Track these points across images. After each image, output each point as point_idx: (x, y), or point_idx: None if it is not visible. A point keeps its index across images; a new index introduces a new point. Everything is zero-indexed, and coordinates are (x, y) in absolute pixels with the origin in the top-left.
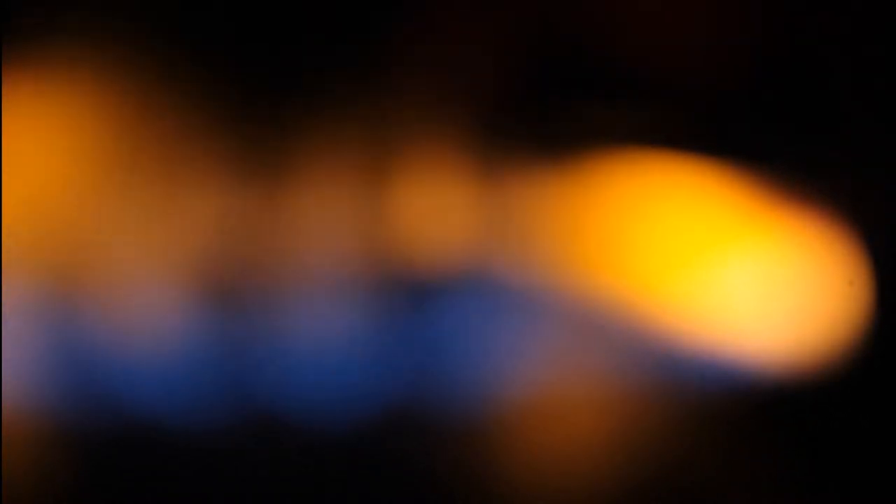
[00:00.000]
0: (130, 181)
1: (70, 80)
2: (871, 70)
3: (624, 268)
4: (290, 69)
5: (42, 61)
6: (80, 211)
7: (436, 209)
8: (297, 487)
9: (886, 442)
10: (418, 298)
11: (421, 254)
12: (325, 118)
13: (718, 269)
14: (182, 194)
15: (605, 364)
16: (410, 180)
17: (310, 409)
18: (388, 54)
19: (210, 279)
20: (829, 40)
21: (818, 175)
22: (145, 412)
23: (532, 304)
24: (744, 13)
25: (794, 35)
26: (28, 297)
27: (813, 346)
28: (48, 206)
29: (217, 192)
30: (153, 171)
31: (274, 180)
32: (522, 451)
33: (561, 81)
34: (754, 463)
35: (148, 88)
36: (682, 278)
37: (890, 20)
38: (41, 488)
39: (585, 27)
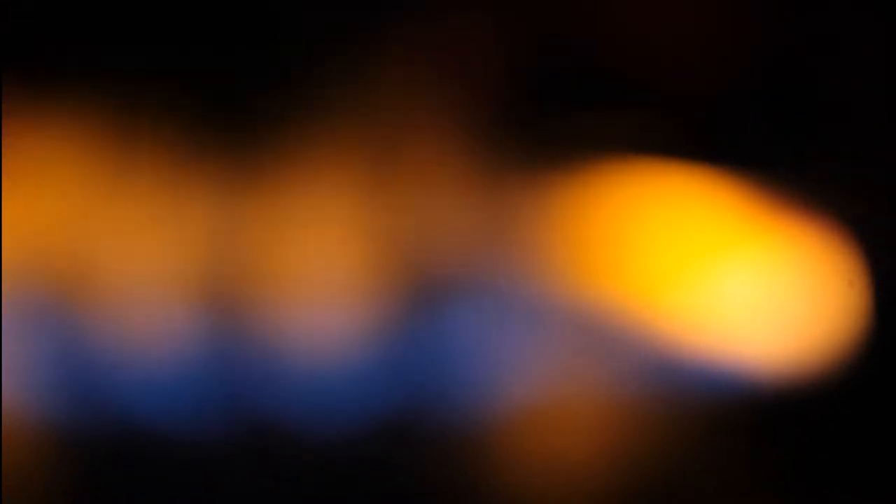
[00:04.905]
0: (130, 191)
1: (69, 94)
2: (868, 75)
3: (624, 275)
4: (288, 75)
5: (42, 77)
6: (79, 221)
7: (435, 217)
8: (296, 497)
9: (888, 445)
10: (418, 307)
11: (421, 262)
12: (324, 126)
13: (718, 275)
14: (181, 204)
15: (605, 371)
16: (409, 188)
17: (309, 417)
18: (387, 62)
19: (209, 288)
20: (826, 46)
21: (816, 180)
22: (143, 421)
23: (533, 312)
24: (741, 20)
25: (791, 42)
26: (27, 307)
27: (814, 350)
28: (47, 217)
29: (215, 201)
30: (152, 181)
31: (272, 190)
32: (523, 459)
33: (561, 89)
34: (756, 469)
35: (148, 99)
36: (682, 285)
37: (887, 26)
38: (39, 497)
39: (585, 35)
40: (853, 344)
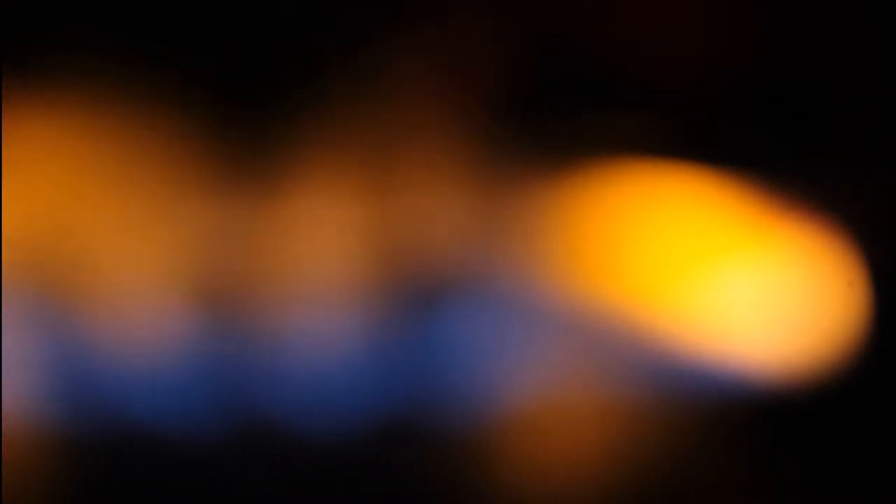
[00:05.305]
0: (128, 192)
1: (68, 93)
2: (867, 75)
3: (623, 276)
4: (288, 78)
5: (43, 75)
6: (78, 222)
7: (434, 218)
8: (294, 498)
9: (888, 445)
10: (417, 308)
11: (419, 263)
12: (324, 127)
13: (717, 277)
14: (179, 204)
15: (603, 372)
16: (408, 189)
17: (308, 418)
18: (387, 63)
19: (208, 289)
20: (826, 47)
21: (815, 180)
22: (142, 422)
23: (531, 313)
24: (739, 22)
25: (788, 42)
26: (26, 308)
27: (813, 351)
28: (46, 218)
29: (214, 202)
30: (151, 181)
31: (271, 190)
32: (522, 460)
33: (560, 90)
34: (755, 470)
35: (147, 98)
36: (681, 286)
37: (885, 27)
38: (39, 497)
39: (584, 37)
40: (853, 344)
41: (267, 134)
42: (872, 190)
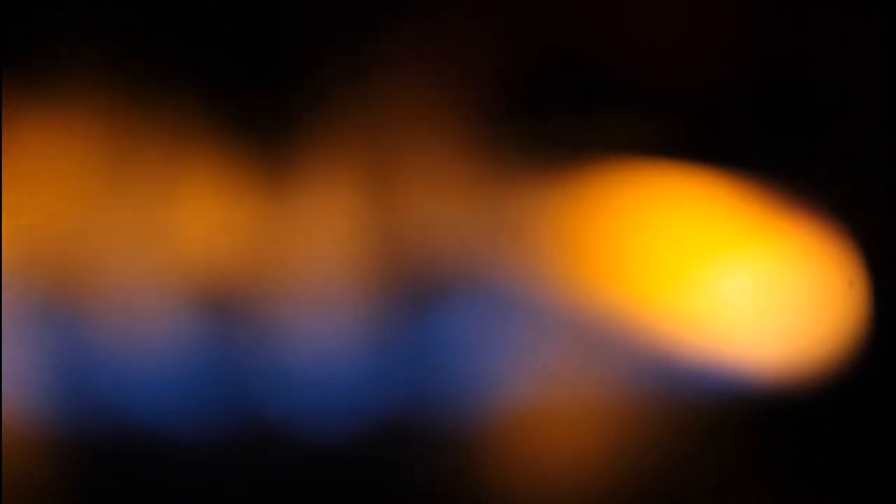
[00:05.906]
0: (129, 189)
1: (69, 87)
2: (868, 75)
3: (623, 276)
4: (289, 77)
5: (43, 70)
6: (78, 219)
7: (434, 217)
8: (294, 498)
9: (888, 446)
10: (417, 307)
11: (420, 262)
12: (324, 126)
13: (718, 276)
14: (181, 203)
15: (603, 372)
16: (410, 188)
17: (307, 418)
18: (389, 62)
19: (208, 288)
20: (826, 46)
21: (815, 180)
22: (142, 421)
23: (532, 313)
24: (741, 23)
25: (791, 42)
26: (26, 306)
27: (812, 352)
28: (47, 214)
29: (215, 201)
30: (152, 180)
31: (272, 189)
32: (522, 460)
33: (561, 90)
34: (755, 469)
35: (147, 96)
36: (681, 287)
37: (885, 27)
38: (38, 497)
39: (586, 36)
40: (853, 344)
41: (267, 134)
42: (872, 190)
